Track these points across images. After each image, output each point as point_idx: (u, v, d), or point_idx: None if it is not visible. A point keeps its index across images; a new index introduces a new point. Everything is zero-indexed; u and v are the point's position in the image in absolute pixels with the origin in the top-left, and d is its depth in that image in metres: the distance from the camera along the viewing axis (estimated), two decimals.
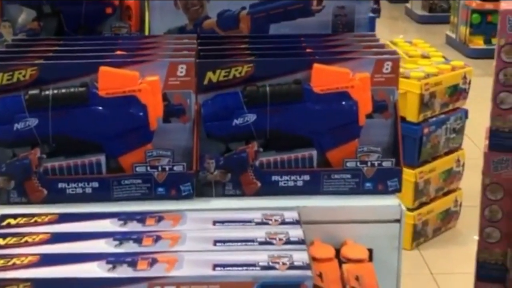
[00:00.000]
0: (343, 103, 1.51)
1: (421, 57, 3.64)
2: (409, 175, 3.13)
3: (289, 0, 1.77)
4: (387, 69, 1.56)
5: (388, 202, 1.48)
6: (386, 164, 1.50)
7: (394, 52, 1.60)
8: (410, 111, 3.12)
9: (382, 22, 8.25)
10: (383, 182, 1.50)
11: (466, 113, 3.38)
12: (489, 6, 6.41)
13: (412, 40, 4.04)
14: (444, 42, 6.94)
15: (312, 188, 1.49)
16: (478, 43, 6.54)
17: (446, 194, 3.32)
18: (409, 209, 3.16)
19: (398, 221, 1.47)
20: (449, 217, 3.34)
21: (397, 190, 1.51)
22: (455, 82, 3.30)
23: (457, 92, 3.31)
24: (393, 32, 7.26)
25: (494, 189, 1.97)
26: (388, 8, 9.02)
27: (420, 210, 3.17)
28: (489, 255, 1.98)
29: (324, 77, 1.50)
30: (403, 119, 3.14)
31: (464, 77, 3.34)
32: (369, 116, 1.54)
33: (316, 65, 1.51)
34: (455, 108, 3.34)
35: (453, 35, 6.80)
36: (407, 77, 3.18)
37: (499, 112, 1.98)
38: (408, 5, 8.31)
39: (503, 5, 2.02)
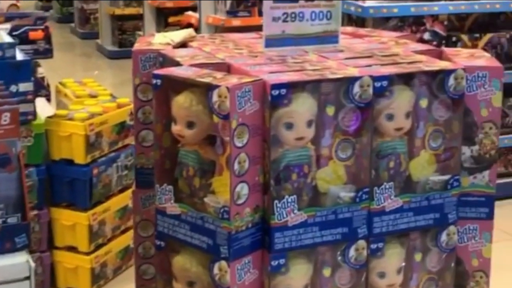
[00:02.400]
0: None
1: (89, 97, 3.62)
2: (82, 218, 3.07)
3: None
4: (5, 120, 1.48)
5: (16, 260, 1.41)
6: (12, 220, 1.43)
7: (13, 102, 1.53)
8: (76, 153, 3.07)
9: (75, 60, 8.13)
10: (10, 239, 1.43)
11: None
12: None
13: (82, 80, 4.01)
14: None
15: None
16: None
17: (123, 232, 3.32)
18: (85, 253, 3.10)
19: (28, 278, 1.40)
20: (129, 255, 3.34)
21: (26, 245, 1.45)
22: (122, 119, 3.32)
23: (125, 129, 3.34)
24: (87, 69, 7.19)
25: (144, 226, 1.99)
26: (80, 45, 8.89)
27: (97, 252, 3.13)
28: None
29: None
30: (71, 161, 3.08)
31: (131, 114, 3.38)
32: None
33: None
34: (125, 145, 3.36)
35: None
36: (72, 119, 3.13)
37: (142, 150, 2.01)
38: (99, 41, 8.30)
39: (136, 45, 2.07)
